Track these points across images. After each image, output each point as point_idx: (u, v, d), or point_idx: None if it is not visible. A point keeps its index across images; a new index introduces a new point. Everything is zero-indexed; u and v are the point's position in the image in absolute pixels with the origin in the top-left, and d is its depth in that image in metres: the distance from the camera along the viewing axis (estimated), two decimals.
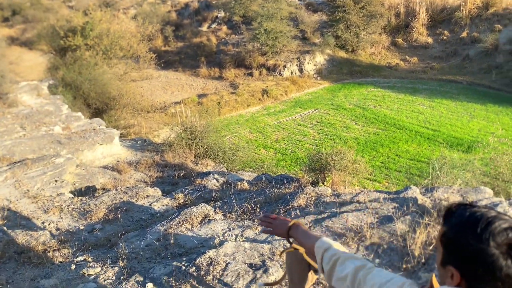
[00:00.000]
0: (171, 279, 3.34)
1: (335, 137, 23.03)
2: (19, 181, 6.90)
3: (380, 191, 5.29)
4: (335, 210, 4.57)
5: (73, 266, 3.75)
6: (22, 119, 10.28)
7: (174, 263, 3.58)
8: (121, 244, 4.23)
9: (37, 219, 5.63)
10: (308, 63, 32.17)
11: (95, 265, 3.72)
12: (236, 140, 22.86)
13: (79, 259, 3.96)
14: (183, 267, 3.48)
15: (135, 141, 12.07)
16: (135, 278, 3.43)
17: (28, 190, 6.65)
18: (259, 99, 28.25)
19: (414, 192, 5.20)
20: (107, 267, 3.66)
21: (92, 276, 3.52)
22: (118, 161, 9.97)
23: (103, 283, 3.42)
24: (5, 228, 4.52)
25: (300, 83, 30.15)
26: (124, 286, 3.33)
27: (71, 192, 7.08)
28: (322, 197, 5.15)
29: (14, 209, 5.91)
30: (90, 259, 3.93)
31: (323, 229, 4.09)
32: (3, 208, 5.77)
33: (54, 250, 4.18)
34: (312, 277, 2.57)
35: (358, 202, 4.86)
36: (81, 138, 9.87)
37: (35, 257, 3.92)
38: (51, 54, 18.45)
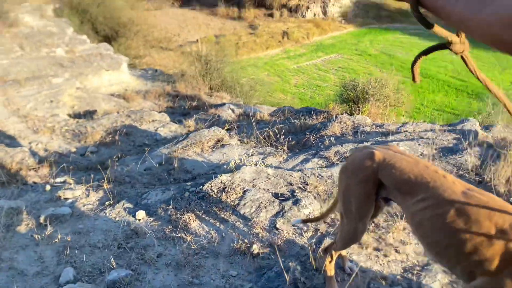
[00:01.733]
0: (170, 207, 2.52)
1: None
2: (10, 100, 6.10)
3: (431, 123, 4.33)
4: (380, 139, 3.66)
5: (47, 187, 2.96)
6: (21, 39, 9.36)
7: (175, 187, 2.76)
8: (115, 167, 3.43)
9: (24, 138, 4.86)
10: (333, 5, 30.12)
11: (76, 188, 2.92)
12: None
13: (58, 180, 3.18)
14: (187, 193, 2.65)
15: (146, 71, 11.12)
16: (123, 204, 2.62)
17: (18, 109, 5.87)
18: (279, 42, 26.70)
19: (474, 124, 4.24)
20: (89, 191, 2.86)
21: (69, 200, 2.73)
22: (126, 90, 9.11)
23: (82, 208, 2.62)
24: None
25: (324, 26, 28.35)
26: (107, 213, 2.53)
27: (68, 115, 6.28)
28: (361, 126, 4.22)
29: (0, 128, 5.14)
30: (71, 181, 3.14)
31: None
32: None
33: (30, 169, 3.40)
34: (381, 207, 1.68)
35: (406, 132, 3.93)
36: (85, 62, 8.96)
37: (6, 175, 3.15)
38: None
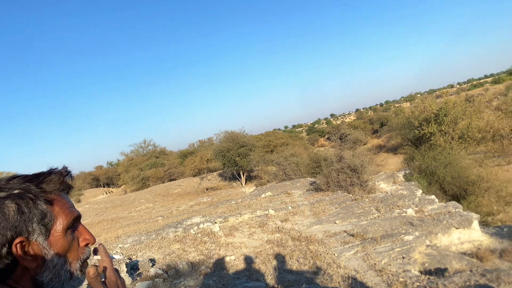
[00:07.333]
0: None
1: None
2: (368, 255, 6.84)
3: None
4: None
5: None
6: (377, 202, 10.65)
7: None
8: None
9: None
10: None
11: None
12: None
13: None
14: None
15: (501, 228, 10.08)
16: None
17: (375, 263, 6.46)
18: None
19: None
20: None
21: None
22: (478, 249, 8.49)
23: None
24: None
25: None
26: None
27: (419, 271, 6.37)
28: None
29: (360, 280, 5.79)
30: None
31: None
32: (350, 277, 5.76)
33: None
34: None
35: None
36: (434, 220, 9.11)
37: None
38: (407, 146, 19.09)
